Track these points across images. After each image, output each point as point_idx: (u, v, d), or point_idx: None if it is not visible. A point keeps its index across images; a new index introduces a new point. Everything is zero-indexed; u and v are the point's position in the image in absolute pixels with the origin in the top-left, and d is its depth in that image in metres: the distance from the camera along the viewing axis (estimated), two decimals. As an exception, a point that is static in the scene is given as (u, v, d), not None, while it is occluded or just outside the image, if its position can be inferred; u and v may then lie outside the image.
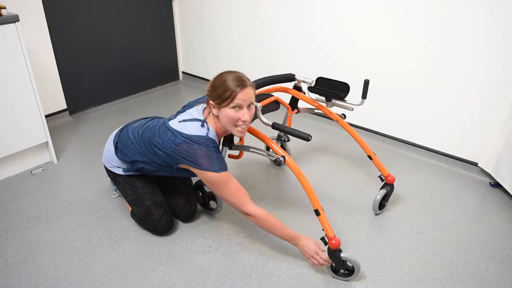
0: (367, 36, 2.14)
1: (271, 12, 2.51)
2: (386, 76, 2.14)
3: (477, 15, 1.75)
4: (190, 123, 1.34)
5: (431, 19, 1.89)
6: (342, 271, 1.36)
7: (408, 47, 2.01)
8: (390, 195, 1.69)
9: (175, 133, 1.31)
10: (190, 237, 1.59)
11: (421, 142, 2.16)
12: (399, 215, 1.70)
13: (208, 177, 1.30)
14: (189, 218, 1.64)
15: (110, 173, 1.59)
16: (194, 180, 1.72)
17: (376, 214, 1.71)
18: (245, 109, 1.28)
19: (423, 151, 2.16)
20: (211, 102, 1.31)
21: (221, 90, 1.27)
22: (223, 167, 1.31)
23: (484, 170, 1.93)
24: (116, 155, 1.52)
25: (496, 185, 1.88)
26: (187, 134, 1.30)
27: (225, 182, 1.31)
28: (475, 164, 1.99)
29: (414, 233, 1.61)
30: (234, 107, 1.27)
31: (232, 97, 1.25)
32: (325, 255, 1.36)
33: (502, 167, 1.78)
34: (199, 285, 1.37)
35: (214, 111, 1.32)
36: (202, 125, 1.33)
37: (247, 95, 1.27)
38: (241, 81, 1.27)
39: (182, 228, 1.63)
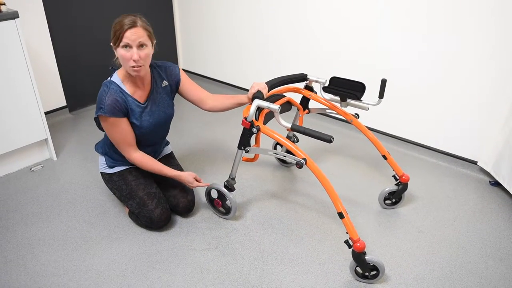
0: (368, 35, 2.13)
1: (272, 10, 2.50)
2: (385, 74, 2.14)
3: (477, 15, 1.74)
4: None
5: (430, 19, 1.88)
6: (366, 273, 1.35)
7: (408, 46, 2.01)
8: (402, 193, 1.68)
9: None
10: (189, 234, 1.59)
11: (421, 141, 2.16)
12: (399, 214, 1.70)
13: (99, 118, 1.42)
14: (187, 208, 1.63)
15: (105, 177, 1.64)
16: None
17: (383, 209, 1.72)
18: (134, 49, 1.33)
19: (423, 149, 2.16)
20: (111, 44, 1.37)
21: (113, 30, 1.34)
22: (109, 111, 1.38)
23: (484, 169, 1.93)
24: (98, 151, 1.65)
25: (496, 183, 1.88)
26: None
27: (106, 128, 1.44)
28: (475, 163, 1.99)
29: (413, 231, 1.61)
30: (124, 46, 1.33)
31: (120, 36, 1.31)
32: (200, 177, 1.59)
33: (502, 166, 1.78)
34: (198, 283, 1.37)
35: (116, 53, 1.39)
36: (112, 73, 1.47)
37: (135, 34, 1.32)
38: (132, 21, 1.32)
39: (182, 226, 1.63)
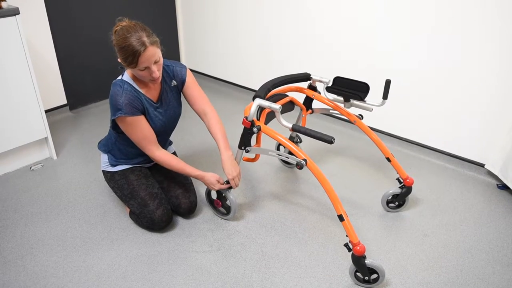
0: (374, 35, 2.10)
1: (275, 8, 2.47)
2: (392, 75, 2.11)
3: (483, 14, 1.71)
4: None
5: (437, 19, 1.85)
6: (367, 278, 1.32)
7: (414, 47, 1.98)
8: (406, 196, 1.65)
9: None
10: (191, 236, 1.56)
11: (428, 142, 2.13)
12: (404, 217, 1.68)
13: (117, 120, 1.39)
14: (189, 209, 1.61)
15: (107, 175, 1.62)
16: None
17: (387, 211, 1.69)
18: (152, 67, 1.31)
19: (430, 151, 2.13)
20: (118, 60, 1.34)
21: (123, 54, 1.29)
22: (128, 111, 1.36)
23: (491, 172, 1.90)
24: (101, 149, 1.64)
25: (504, 187, 1.85)
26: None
27: (126, 129, 1.41)
28: (482, 166, 1.96)
29: (419, 235, 1.58)
30: (141, 69, 1.31)
31: (135, 62, 1.28)
32: (223, 180, 1.54)
33: (510, 169, 1.74)
34: (200, 285, 1.35)
35: (124, 66, 1.35)
36: (122, 72, 1.45)
37: (150, 57, 1.28)
38: (141, 43, 1.26)
39: (183, 227, 1.61)
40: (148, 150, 1.46)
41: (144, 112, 1.43)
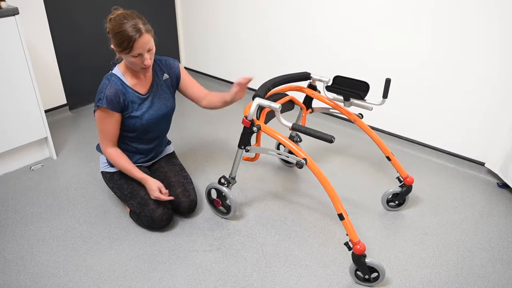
0: (374, 34, 2.10)
1: (275, 7, 2.47)
2: (390, 74, 2.11)
3: (484, 14, 1.71)
4: None
5: (436, 18, 1.85)
6: (367, 276, 1.32)
7: (414, 46, 1.98)
8: (406, 195, 1.65)
9: None
10: (191, 235, 1.56)
11: (428, 141, 2.13)
12: (404, 216, 1.68)
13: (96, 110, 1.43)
14: (189, 209, 1.61)
15: (106, 176, 1.62)
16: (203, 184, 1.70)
17: (387, 210, 1.69)
18: (145, 55, 1.35)
19: (429, 150, 2.13)
20: (112, 46, 1.37)
21: (118, 39, 1.32)
22: (107, 102, 1.39)
23: (492, 171, 1.90)
24: (99, 151, 1.63)
25: (504, 185, 1.85)
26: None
27: (97, 118, 1.44)
28: (482, 164, 1.96)
29: (419, 233, 1.58)
30: (135, 56, 1.34)
31: (130, 47, 1.31)
32: (165, 190, 1.50)
33: (510, 168, 1.74)
34: (200, 284, 1.35)
35: (120, 56, 1.38)
36: (113, 65, 1.48)
37: (144, 43, 1.32)
38: (137, 30, 1.30)
39: (183, 226, 1.61)
40: (103, 143, 1.50)
41: (123, 110, 1.45)
